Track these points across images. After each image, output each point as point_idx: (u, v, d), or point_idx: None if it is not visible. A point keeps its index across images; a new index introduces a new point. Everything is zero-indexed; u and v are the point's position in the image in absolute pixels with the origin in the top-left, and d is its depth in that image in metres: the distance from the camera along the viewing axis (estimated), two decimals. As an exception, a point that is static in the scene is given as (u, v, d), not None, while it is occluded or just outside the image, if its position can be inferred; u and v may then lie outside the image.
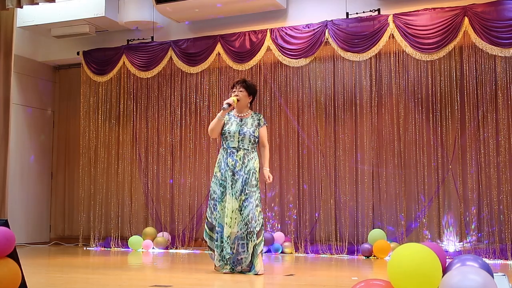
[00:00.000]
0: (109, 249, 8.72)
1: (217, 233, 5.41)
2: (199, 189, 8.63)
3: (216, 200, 5.45)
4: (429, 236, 7.38)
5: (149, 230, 8.58)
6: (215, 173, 5.52)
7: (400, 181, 7.58)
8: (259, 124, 5.54)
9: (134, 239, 8.44)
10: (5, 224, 3.60)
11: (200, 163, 8.65)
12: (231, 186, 5.35)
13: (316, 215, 7.95)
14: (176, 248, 8.47)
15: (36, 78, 9.75)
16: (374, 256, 7.28)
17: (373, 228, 7.59)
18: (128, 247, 8.56)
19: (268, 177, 5.47)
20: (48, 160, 9.93)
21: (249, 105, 5.66)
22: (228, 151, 5.46)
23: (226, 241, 5.28)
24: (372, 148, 7.81)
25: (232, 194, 5.33)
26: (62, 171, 9.95)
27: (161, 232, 8.59)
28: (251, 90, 5.62)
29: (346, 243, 7.69)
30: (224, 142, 5.54)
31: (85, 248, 8.83)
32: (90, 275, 5.65)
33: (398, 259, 2.47)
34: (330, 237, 7.85)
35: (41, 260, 7.20)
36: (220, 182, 5.44)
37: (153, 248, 8.41)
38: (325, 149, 8.02)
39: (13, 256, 3.59)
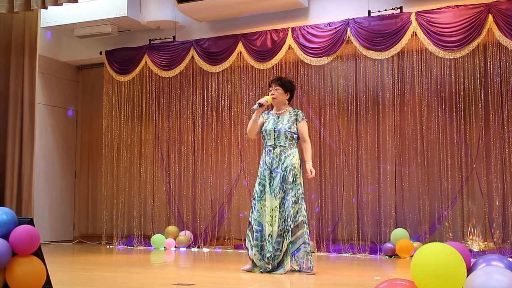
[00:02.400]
0: (131, 247, 8.77)
1: (256, 232, 5.38)
2: (221, 188, 8.64)
3: (256, 199, 5.46)
4: (452, 236, 7.28)
5: (172, 228, 8.59)
6: (258, 172, 5.55)
7: (423, 180, 7.52)
8: (296, 119, 5.51)
9: (156, 238, 8.47)
10: (30, 222, 3.65)
11: (222, 161, 8.65)
12: (269, 185, 5.35)
13: (338, 213, 7.92)
14: (198, 247, 8.49)
15: (60, 78, 9.81)
16: (397, 255, 7.22)
17: (395, 228, 7.53)
18: (150, 246, 8.59)
19: (310, 172, 5.39)
20: (71, 159, 10.00)
21: (287, 102, 5.64)
22: (266, 149, 5.49)
23: (268, 240, 5.27)
24: (394, 147, 7.75)
25: (271, 192, 5.33)
26: (85, 170, 10.01)
27: (183, 231, 8.60)
28: (287, 87, 5.61)
29: (369, 243, 7.65)
30: (264, 141, 5.58)
31: (108, 246, 8.88)
32: (113, 273, 5.69)
33: (422, 259, 2.44)
34: (352, 236, 7.81)
35: (65, 258, 7.27)
36: (259, 181, 5.47)
37: (175, 246, 8.42)
38: (347, 148, 7.98)
39: (38, 254, 3.64)
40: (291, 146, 5.44)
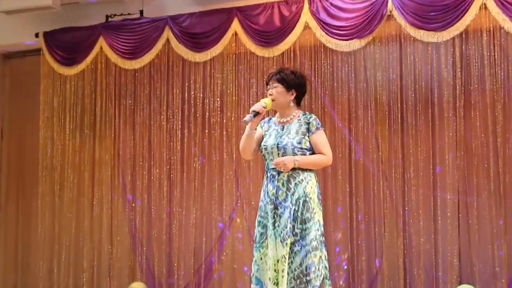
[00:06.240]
0: (79, 312, 8.36)
1: None
2: (208, 228, 8.23)
3: (255, 246, 5.10)
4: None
5: (137, 286, 8.15)
6: (259, 206, 5.16)
7: (498, 215, 7.04)
8: (308, 129, 5.02)
9: (115, 299, 8.13)
10: None
11: (210, 190, 8.23)
12: (273, 225, 4.88)
13: (377, 263, 7.48)
14: (177, 312, 8.17)
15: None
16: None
17: (460, 284, 7.05)
18: (107, 311, 8.24)
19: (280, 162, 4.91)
20: (-7, 185, 9.80)
21: (292, 103, 5.13)
22: (268, 174, 5.04)
23: None
24: (457, 168, 7.26)
25: (276, 237, 4.85)
26: (13, 202, 9.53)
27: (154, 290, 8.24)
28: (290, 82, 5.09)
29: (421, 304, 7.32)
30: (265, 163, 5.19)
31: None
32: None
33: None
34: (397, 294, 7.49)
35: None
36: (259, 219, 5.04)
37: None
38: (389, 169, 7.54)
39: None
40: (303, 169, 4.99)
